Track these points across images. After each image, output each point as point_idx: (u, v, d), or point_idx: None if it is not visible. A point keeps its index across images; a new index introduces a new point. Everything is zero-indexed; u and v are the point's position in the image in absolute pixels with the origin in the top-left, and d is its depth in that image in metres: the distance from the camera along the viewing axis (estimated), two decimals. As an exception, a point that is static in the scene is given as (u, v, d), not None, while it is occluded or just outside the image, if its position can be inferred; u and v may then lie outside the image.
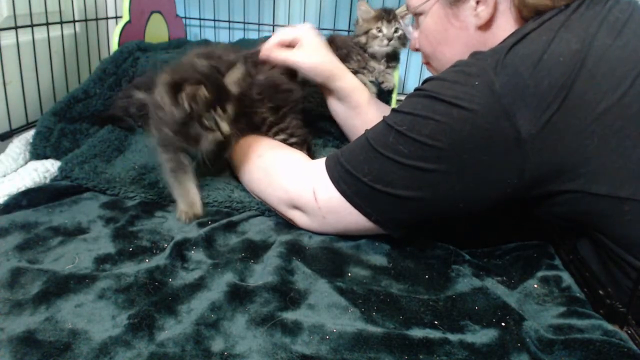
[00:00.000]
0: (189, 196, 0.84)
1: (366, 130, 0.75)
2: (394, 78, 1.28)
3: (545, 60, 0.62)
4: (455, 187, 0.67)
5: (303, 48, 0.95)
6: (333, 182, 0.74)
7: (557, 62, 0.62)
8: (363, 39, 1.16)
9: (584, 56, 0.62)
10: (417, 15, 0.83)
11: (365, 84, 1.15)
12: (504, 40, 0.68)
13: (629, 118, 0.61)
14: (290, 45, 0.97)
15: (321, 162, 0.77)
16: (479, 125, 0.63)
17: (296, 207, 0.79)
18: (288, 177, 0.81)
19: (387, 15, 1.12)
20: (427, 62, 0.87)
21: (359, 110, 1.03)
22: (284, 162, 0.85)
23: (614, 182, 0.63)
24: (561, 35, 0.64)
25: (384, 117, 0.73)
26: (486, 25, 0.73)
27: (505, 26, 0.72)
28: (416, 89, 0.72)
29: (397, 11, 1.12)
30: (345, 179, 0.72)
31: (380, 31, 1.12)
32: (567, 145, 0.62)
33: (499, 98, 0.62)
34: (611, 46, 0.63)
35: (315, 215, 0.77)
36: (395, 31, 1.12)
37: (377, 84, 1.23)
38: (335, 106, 1.06)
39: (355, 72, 1.14)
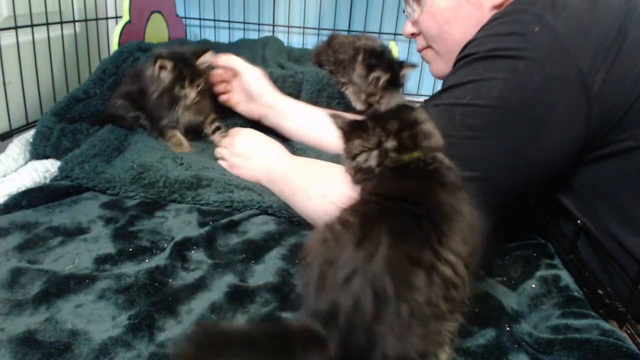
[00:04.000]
0: None
1: None
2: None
3: (601, 3, 0.60)
4: (535, 152, 0.62)
5: None
6: None
7: (611, 6, 0.61)
8: None
9: (634, 2, 0.61)
10: None
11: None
12: None
13: None
14: None
15: None
16: (547, 74, 0.59)
17: None
18: None
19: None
20: (426, 47, 0.84)
21: None
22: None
23: None
24: None
25: (430, 103, 0.67)
26: (501, 5, 0.71)
27: None
28: (462, 57, 0.66)
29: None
30: None
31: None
32: (627, 92, 0.60)
33: (563, 41, 0.59)
34: None
35: None
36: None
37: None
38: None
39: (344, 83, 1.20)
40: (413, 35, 0.88)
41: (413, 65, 1.19)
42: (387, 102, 1.16)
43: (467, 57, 0.65)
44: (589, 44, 0.59)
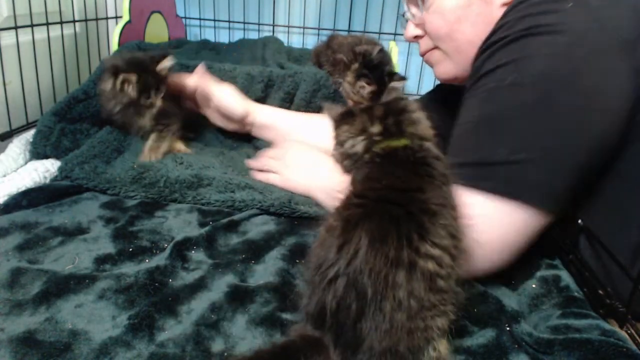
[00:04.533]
0: None
1: (458, 122, 0.64)
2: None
3: None
4: (592, 124, 0.60)
5: None
6: (468, 187, 0.61)
7: None
8: None
9: None
10: None
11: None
12: None
13: None
14: None
15: None
16: (589, 45, 0.58)
17: None
18: None
19: None
20: (432, 49, 0.83)
21: None
22: None
23: None
24: None
25: (469, 94, 0.65)
26: (510, 3, 0.69)
27: None
28: (491, 44, 0.64)
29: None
30: (481, 174, 0.61)
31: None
32: None
33: (599, 12, 0.59)
34: None
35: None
36: None
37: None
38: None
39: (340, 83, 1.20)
40: (416, 38, 0.86)
41: (403, 78, 1.20)
42: (385, 95, 1.16)
43: (498, 42, 0.63)
44: (626, 14, 0.59)
